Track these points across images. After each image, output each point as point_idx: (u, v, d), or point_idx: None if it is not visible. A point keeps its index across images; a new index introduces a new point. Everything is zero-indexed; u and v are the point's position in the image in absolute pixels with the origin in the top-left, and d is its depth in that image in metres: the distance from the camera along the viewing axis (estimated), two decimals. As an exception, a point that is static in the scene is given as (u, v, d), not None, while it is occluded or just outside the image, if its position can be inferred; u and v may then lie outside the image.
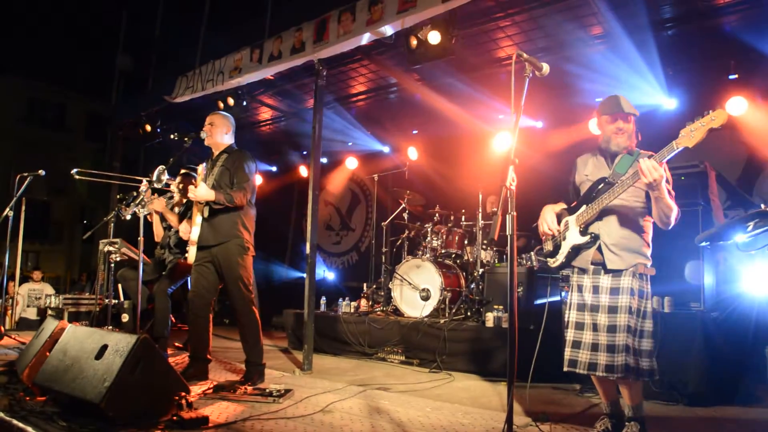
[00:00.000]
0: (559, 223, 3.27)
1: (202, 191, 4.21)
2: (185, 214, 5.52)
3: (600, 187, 3.10)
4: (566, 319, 3.16)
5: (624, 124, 3.11)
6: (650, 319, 2.95)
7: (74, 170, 5.53)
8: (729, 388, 4.12)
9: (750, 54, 6.02)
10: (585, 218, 3.10)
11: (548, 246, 3.36)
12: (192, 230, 4.42)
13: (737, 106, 6.08)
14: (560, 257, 3.23)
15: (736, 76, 6.28)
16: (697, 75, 6.58)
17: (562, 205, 3.37)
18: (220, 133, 4.56)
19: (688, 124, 2.65)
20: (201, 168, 4.48)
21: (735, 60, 6.22)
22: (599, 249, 3.07)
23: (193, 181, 4.26)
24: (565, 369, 3.05)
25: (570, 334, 3.08)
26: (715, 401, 4.03)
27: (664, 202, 2.82)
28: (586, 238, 3.09)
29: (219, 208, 4.32)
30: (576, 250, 3.16)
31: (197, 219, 4.40)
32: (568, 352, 3.06)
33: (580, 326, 3.06)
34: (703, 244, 4.27)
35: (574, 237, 3.16)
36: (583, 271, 3.15)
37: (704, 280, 4.66)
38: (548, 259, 3.34)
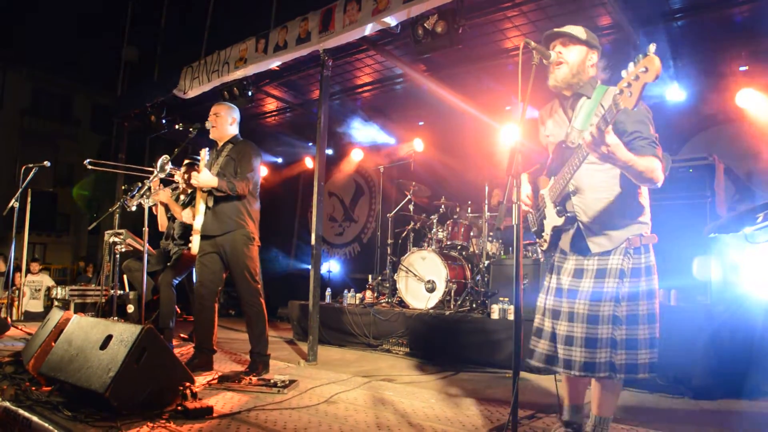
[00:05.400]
0: (536, 194, 2.78)
1: (204, 177, 4.20)
2: (190, 205, 5.52)
3: (560, 153, 2.56)
4: (539, 304, 2.67)
5: (563, 48, 2.53)
6: (647, 299, 2.41)
7: (87, 161, 5.52)
8: (735, 382, 4.09)
9: (762, 45, 5.96)
10: (555, 194, 2.60)
11: (533, 225, 2.86)
12: (195, 219, 4.40)
13: (748, 98, 6.02)
14: (546, 239, 2.72)
15: (747, 67, 6.21)
16: (707, 66, 6.51)
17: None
18: (225, 124, 4.55)
19: (623, 73, 2.04)
20: (204, 152, 4.45)
21: (746, 51, 6.16)
22: (579, 231, 2.54)
23: (196, 167, 4.24)
24: (537, 364, 2.58)
25: (547, 324, 2.59)
26: (721, 395, 4.00)
27: (629, 168, 2.24)
28: (562, 220, 2.57)
29: (223, 197, 4.32)
30: (557, 233, 2.67)
31: (201, 208, 4.39)
32: (543, 345, 2.58)
33: (556, 315, 2.55)
34: (712, 235, 4.25)
35: (552, 217, 2.65)
36: (564, 252, 2.65)
37: (712, 274, 4.63)
38: (538, 240, 2.83)
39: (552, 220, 2.64)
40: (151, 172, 4.94)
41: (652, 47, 1.95)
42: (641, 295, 2.41)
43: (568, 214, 2.56)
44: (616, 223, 2.47)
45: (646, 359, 2.35)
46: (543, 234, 2.73)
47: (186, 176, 5.43)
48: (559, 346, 2.49)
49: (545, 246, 2.73)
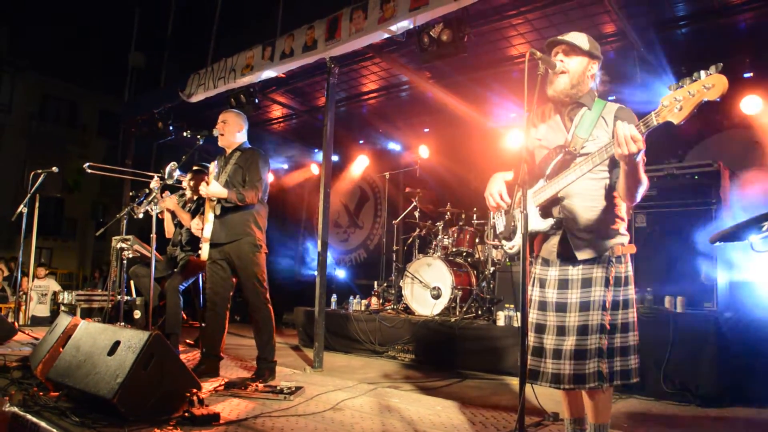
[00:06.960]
0: (512, 195, 2.66)
1: (213, 188, 4.24)
2: (197, 212, 5.55)
3: (559, 158, 2.49)
4: (528, 320, 2.57)
5: (564, 57, 2.50)
6: (632, 307, 2.44)
7: (86, 164, 5.59)
8: (742, 389, 4.08)
9: (766, 52, 5.96)
10: (544, 198, 2.52)
11: (501, 226, 2.81)
12: (204, 227, 4.44)
13: (752, 104, 6.02)
14: (518, 242, 2.57)
15: (751, 74, 6.21)
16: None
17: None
18: (233, 132, 4.57)
19: (672, 87, 2.02)
20: (213, 165, 4.50)
21: (750, 58, 6.16)
22: (565, 236, 2.50)
23: (205, 177, 4.28)
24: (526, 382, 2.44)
25: (531, 339, 2.53)
26: (727, 402, 4.00)
27: (637, 176, 2.24)
28: (548, 224, 2.51)
29: (231, 206, 4.35)
30: (533, 237, 2.62)
31: (209, 216, 4.43)
32: (528, 361, 2.49)
33: (540, 329, 2.51)
34: (717, 243, 4.24)
35: (533, 220, 2.53)
36: (546, 262, 2.59)
37: (718, 280, 4.62)
38: (504, 242, 2.72)
39: (533, 224, 2.52)
40: (152, 177, 4.99)
41: (719, 66, 1.91)
42: (630, 303, 2.43)
43: (555, 219, 2.51)
44: (602, 232, 2.45)
45: (636, 364, 2.41)
46: (516, 238, 2.63)
47: (192, 183, 5.48)
48: (547, 360, 2.44)
49: (515, 250, 2.64)
